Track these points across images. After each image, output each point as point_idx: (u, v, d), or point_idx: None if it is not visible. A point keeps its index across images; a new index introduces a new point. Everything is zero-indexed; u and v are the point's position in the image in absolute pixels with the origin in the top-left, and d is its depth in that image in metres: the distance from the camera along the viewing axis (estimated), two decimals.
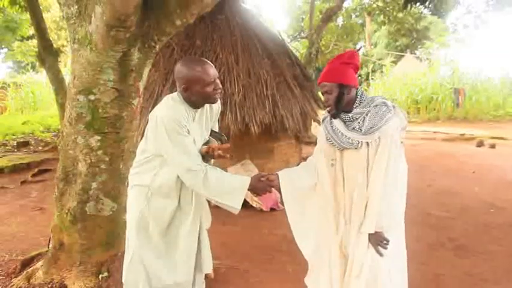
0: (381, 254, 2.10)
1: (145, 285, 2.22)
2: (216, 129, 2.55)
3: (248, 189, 2.17)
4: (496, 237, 4.24)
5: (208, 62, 2.21)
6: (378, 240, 2.10)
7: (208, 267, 2.48)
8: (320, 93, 2.33)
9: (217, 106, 2.44)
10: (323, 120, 2.32)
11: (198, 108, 2.26)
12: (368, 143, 2.08)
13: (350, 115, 2.12)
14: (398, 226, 2.21)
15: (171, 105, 2.18)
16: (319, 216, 2.34)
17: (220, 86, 2.24)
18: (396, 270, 2.23)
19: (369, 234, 2.11)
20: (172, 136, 2.06)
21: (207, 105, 2.33)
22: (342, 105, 2.11)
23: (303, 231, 2.39)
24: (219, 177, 2.14)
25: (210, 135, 2.40)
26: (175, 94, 2.25)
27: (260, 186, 2.23)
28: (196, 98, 2.17)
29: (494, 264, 3.59)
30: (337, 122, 2.17)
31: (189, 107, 2.21)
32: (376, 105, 2.08)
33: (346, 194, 2.21)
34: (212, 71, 2.16)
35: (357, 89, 2.16)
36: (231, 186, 2.15)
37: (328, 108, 2.17)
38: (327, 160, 2.26)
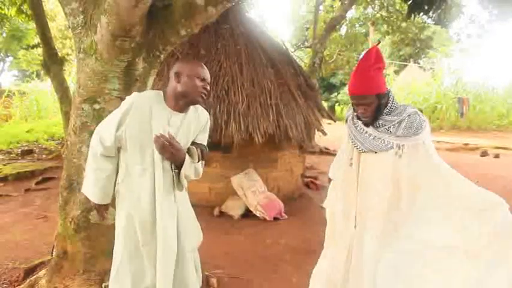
0: None
1: None
2: (204, 142, 2.39)
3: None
4: None
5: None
6: None
7: None
8: (352, 104, 2.17)
9: (205, 118, 2.36)
10: (346, 119, 2.28)
11: (180, 110, 2.19)
12: (396, 153, 2.04)
13: (381, 122, 2.07)
14: None
15: (140, 93, 2.26)
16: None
17: (208, 89, 2.20)
18: None
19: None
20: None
21: (192, 115, 2.26)
22: (380, 113, 2.07)
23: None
24: (96, 167, 2.24)
25: (192, 144, 2.30)
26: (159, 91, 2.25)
27: None
28: (182, 90, 2.11)
29: None
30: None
31: (167, 107, 2.17)
32: (410, 115, 2.04)
33: (358, 197, 2.17)
34: (207, 73, 2.19)
35: (388, 92, 2.10)
36: (91, 178, 2.25)
37: (365, 119, 2.10)
38: (347, 159, 2.25)
